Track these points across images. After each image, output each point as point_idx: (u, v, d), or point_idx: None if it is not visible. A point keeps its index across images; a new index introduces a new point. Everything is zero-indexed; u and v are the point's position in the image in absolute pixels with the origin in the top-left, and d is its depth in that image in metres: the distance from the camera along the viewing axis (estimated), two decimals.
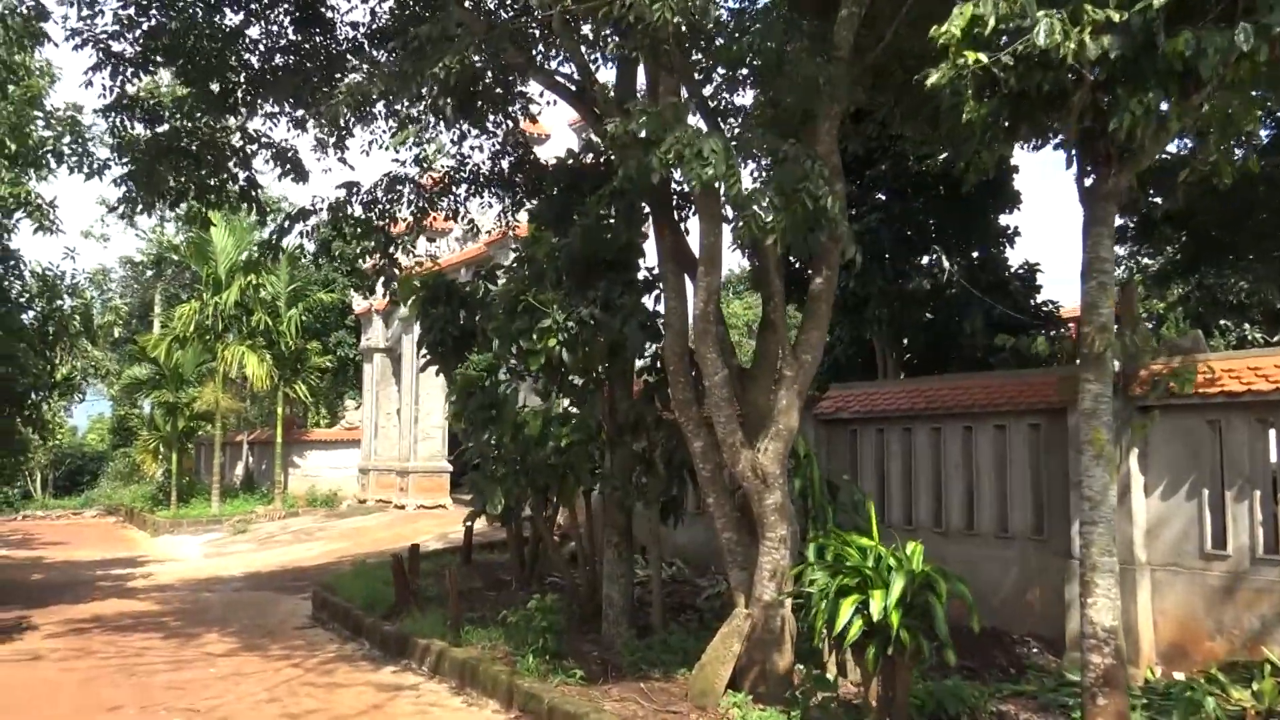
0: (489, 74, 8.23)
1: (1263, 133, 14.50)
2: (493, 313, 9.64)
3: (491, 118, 10.25)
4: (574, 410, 10.00)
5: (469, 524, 15.68)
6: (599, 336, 8.38)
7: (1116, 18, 5.56)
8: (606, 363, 9.14)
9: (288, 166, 10.37)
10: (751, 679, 7.83)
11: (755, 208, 6.00)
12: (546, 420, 9.61)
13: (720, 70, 8.27)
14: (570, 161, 10.45)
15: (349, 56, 10.38)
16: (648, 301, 8.98)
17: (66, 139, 11.97)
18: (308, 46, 10.50)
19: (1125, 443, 8.64)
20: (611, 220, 9.05)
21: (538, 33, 8.93)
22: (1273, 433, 8.24)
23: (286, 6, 10.21)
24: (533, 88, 10.69)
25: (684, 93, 7.81)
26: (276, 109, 10.18)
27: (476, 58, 7.96)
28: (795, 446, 8.31)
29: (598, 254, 8.56)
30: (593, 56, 9.24)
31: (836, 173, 7.29)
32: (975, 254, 17.39)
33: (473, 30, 7.56)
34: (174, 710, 8.72)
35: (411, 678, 9.81)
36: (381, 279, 10.65)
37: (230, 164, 10.29)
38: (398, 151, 10.91)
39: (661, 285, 8.44)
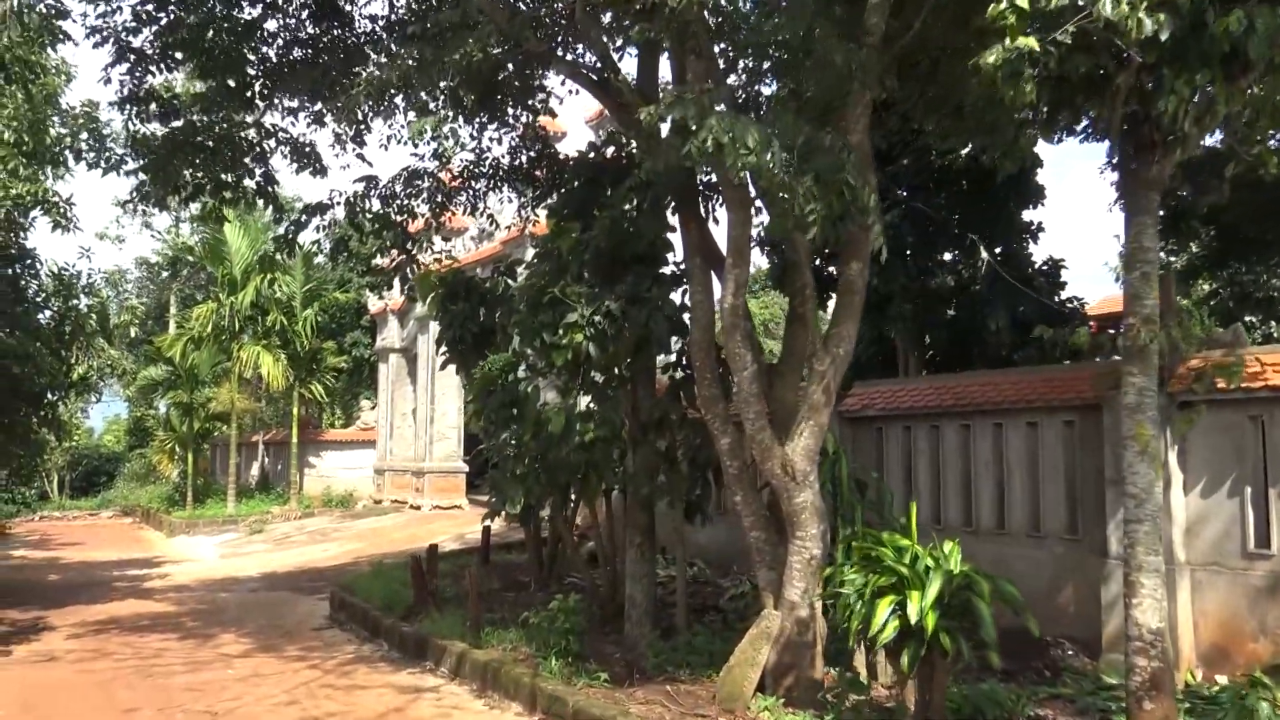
0: (510, 65, 8.05)
1: None
2: (514, 308, 9.48)
3: (511, 111, 10.10)
4: (595, 408, 9.81)
5: (487, 524, 15.55)
6: (625, 331, 8.19)
7: None
8: (631, 358, 8.95)
9: (305, 160, 10.23)
10: (781, 682, 7.63)
11: (794, 197, 5.79)
12: (569, 417, 9.43)
13: (745, 60, 8.07)
14: (591, 155, 10.28)
15: (367, 50, 10.23)
16: (674, 296, 8.79)
17: (84, 135, 11.88)
18: (325, 40, 10.36)
19: (1164, 439, 8.41)
20: (636, 214, 8.87)
21: (562, 22, 8.74)
22: None
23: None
24: (552, 81, 10.54)
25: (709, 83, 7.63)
26: (294, 103, 10.04)
27: (497, 49, 7.80)
28: (823, 443, 8.12)
29: (623, 248, 8.38)
30: (615, 46, 9.06)
31: (868, 162, 7.10)
32: (999, 249, 17.14)
33: (494, 19, 7.39)
34: (191, 713, 8.59)
35: (432, 680, 9.65)
36: (399, 275, 10.50)
37: (246, 159, 10.16)
38: (415, 146, 10.74)
39: (687, 279, 8.25)
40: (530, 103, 10.36)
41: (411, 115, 10.64)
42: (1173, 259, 25.64)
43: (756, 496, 8.08)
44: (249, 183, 10.33)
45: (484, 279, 10.55)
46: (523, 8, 9.05)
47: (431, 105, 9.46)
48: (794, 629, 7.58)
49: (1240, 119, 6.52)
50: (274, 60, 10.15)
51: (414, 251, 10.46)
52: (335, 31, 10.56)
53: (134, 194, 9.97)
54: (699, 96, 5.95)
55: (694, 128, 5.81)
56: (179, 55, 9.34)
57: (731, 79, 8.39)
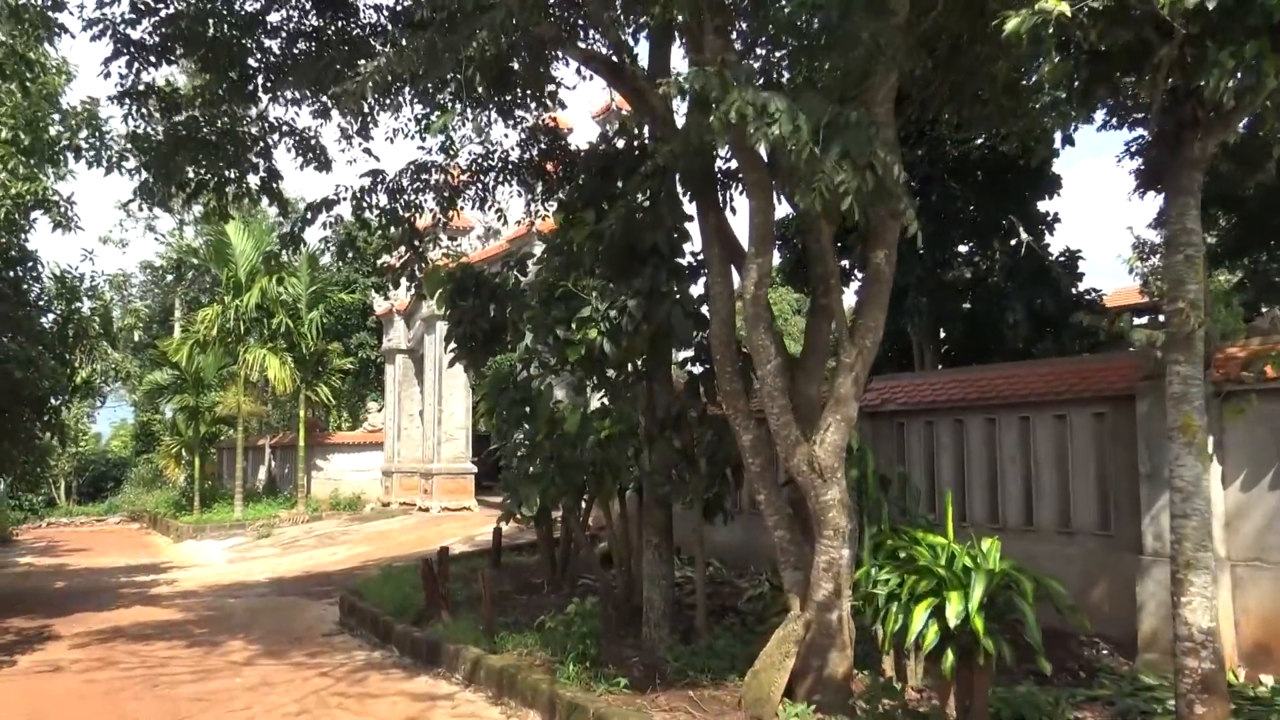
0: (522, 53, 7.78)
1: None
2: (526, 303, 9.21)
3: (521, 103, 9.82)
4: (610, 405, 9.54)
5: (498, 526, 15.30)
6: (642, 325, 7.91)
7: None
8: (647, 354, 8.68)
9: (310, 155, 9.97)
10: (808, 686, 7.35)
11: (823, 172, 5.51)
12: (584, 415, 9.15)
13: (765, 39, 7.78)
14: (603, 147, 10.00)
15: (373, 42, 9.96)
16: (692, 289, 8.52)
17: (83, 133, 11.64)
18: (330, 32, 10.09)
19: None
20: (650, 204, 8.59)
21: (575, 6, 8.45)
22: None
23: None
24: (563, 73, 10.28)
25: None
26: (298, 96, 9.76)
27: (509, 35, 7.52)
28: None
29: (638, 239, 8.10)
30: (627, 33, 8.79)
31: (894, 143, 6.82)
32: (1014, 241, 16.85)
33: (506, 2, 7.11)
34: None
35: (446, 686, 9.39)
36: (407, 271, 10.24)
37: (250, 155, 9.89)
38: (423, 140, 10.50)
39: (706, 270, 7.96)
40: (540, 95, 10.09)
41: (419, 108, 10.46)
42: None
43: (780, 494, 7.81)
44: (252, 179, 10.07)
45: (494, 274, 10.26)
46: None
47: (440, 98, 9.21)
48: (822, 631, 7.30)
49: None
50: (277, 54, 9.89)
51: (421, 247, 10.20)
52: (339, 23, 10.30)
53: (136, 192, 9.71)
54: (721, 68, 5.66)
55: (716, 100, 5.53)
56: (179, 49, 9.08)
57: (748, 62, 8.10)
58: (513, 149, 10.65)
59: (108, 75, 8.93)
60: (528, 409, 9.82)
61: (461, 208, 10.80)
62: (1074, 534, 9.37)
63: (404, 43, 8.92)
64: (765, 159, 6.93)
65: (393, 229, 9.72)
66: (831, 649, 7.31)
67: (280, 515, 28.76)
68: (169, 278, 42.65)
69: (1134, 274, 26.70)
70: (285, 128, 10.04)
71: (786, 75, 8.71)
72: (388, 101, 9.57)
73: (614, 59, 8.63)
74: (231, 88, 9.47)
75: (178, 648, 11.75)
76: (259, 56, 9.75)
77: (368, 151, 10.64)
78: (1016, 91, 10.02)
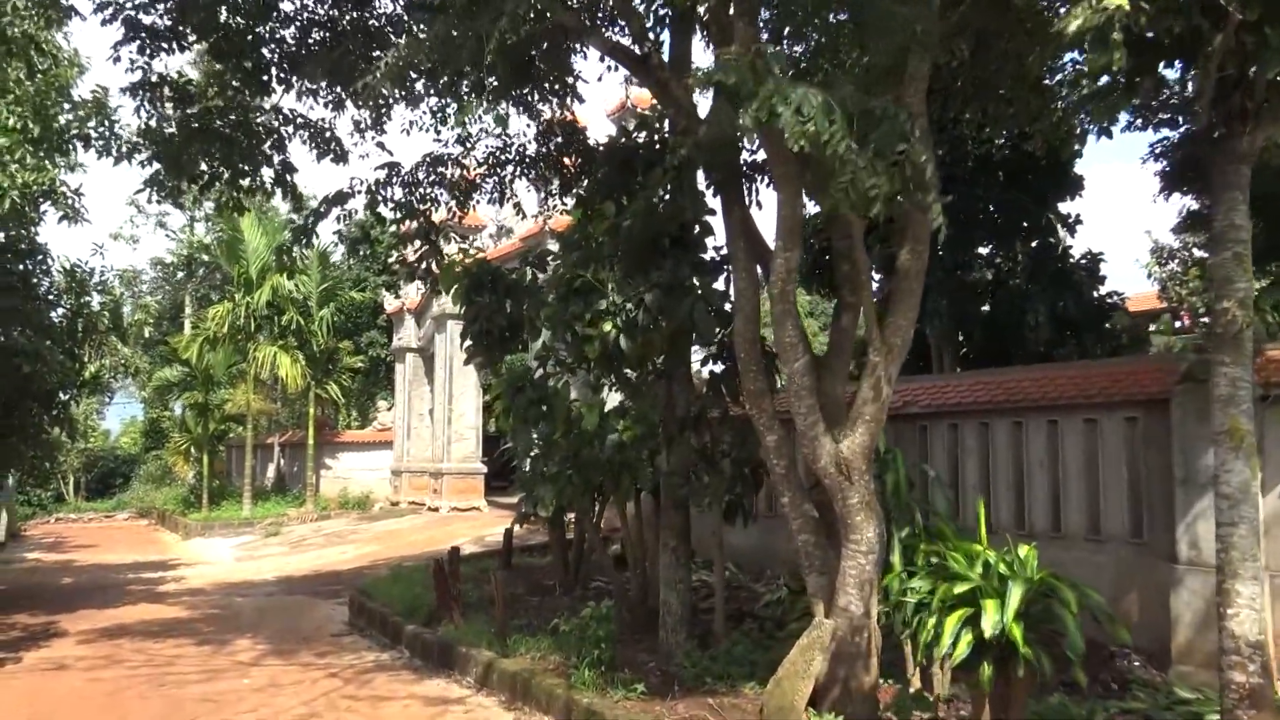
0: (543, 41, 7.55)
1: None
2: (543, 299, 8.99)
3: (540, 95, 9.61)
4: (629, 404, 9.33)
5: (509, 527, 15.12)
6: (661, 321, 7.69)
7: None
8: (667, 351, 8.46)
9: (325, 147, 9.78)
10: (833, 696, 7.11)
11: (855, 171, 5.29)
12: (602, 414, 8.94)
13: (792, 28, 7.56)
14: (623, 140, 9.79)
15: (389, 32, 9.77)
16: (716, 285, 8.29)
17: (92, 122, 11.47)
18: (345, 22, 9.90)
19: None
20: (668, 197, 8.38)
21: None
22: None
23: None
24: (581, 65, 10.07)
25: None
26: (313, 87, 9.56)
27: (529, 23, 7.31)
28: None
29: (659, 232, 7.88)
30: (649, 24, 8.57)
31: (928, 136, 6.59)
32: (1034, 243, 16.59)
33: None
34: None
35: (458, 690, 9.18)
36: (422, 266, 10.04)
37: (264, 147, 9.70)
38: (439, 134, 10.30)
39: (731, 265, 7.72)
40: (558, 89, 9.88)
41: (434, 101, 10.26)
42: (1202, 254, 24.99)
43: (805, 497, 7.57)
44: (266, 172, 9.88)
45: (510, 270, 10.06)
46: None
47: (458, 90, 9.01)
48: (848, 639, 7.06)
49: None
50: (290, 43, 9.69)
51: (437, 240, 10.00)
52: (354, 13, 10.11)
53: (147, 184, 9.52)
54: (752, 59, 5.44)
55: (747, 93, 5.31)
56: (190, 35, 8.88)
57: (780, 48, 7.87)
58: (529, 143, 10.44)
59: (118, 59, 8.72)
60: (544, 408, 9.59)
61: (477, 203, 10.60)
62: (1104, 541, 9.10)
63: (421, 31, 8.76)
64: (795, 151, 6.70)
65: (408, 223, 9.51)
66: (858, 657, 7.08)
67: (289, 514, 28.63)
68: (180, 274, 42.61)
69: (1152, 279, 26.42)
70: (300, 119, 9.84)
71: (804, 66, 8.52)
72: (403, 94, 9.37)
73: (636, 50, 8.41)
74: (245, 78, 9.28)
75: (185, 646, 11.58)
76: (272, 46, 9.56)
77: (381, 145, 10.41)
78: (1041, 89, 9.82)
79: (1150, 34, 5.62)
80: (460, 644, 9.90)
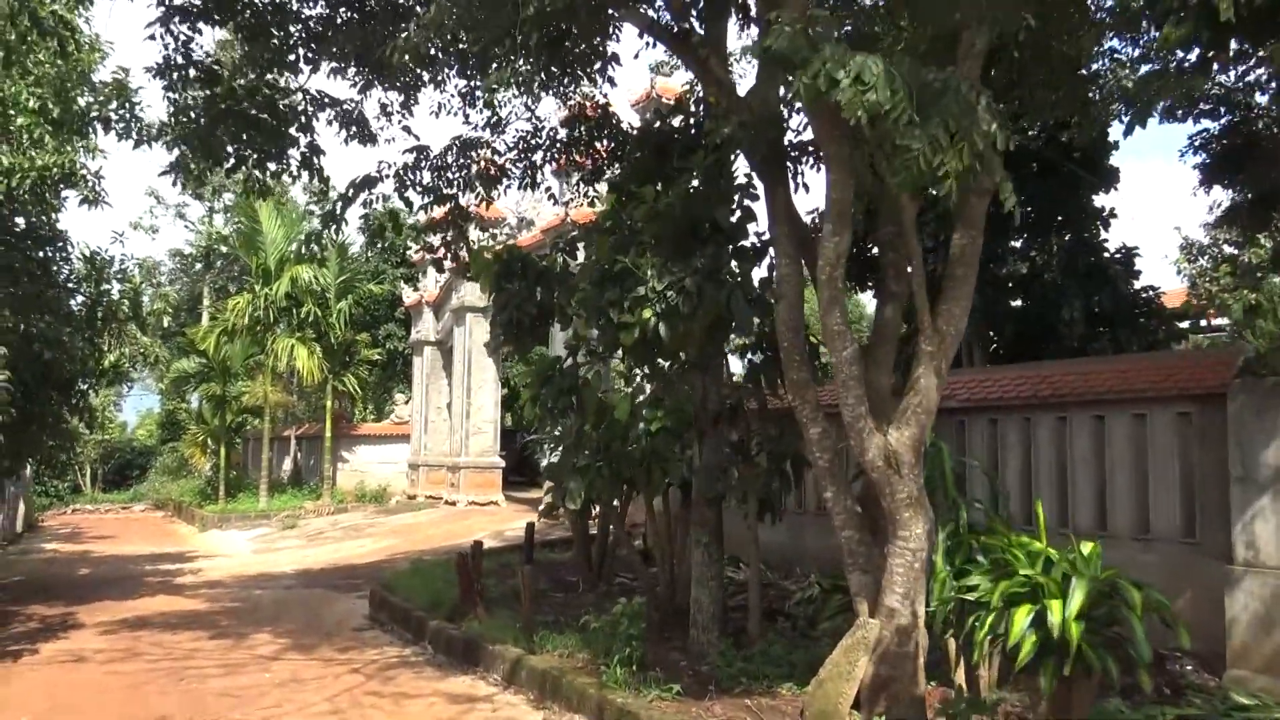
0: (581, 14, 7.26)
1: None
2: (577, 285, 8.73)
3: (571, 76, 9.33)
4: (662, 395, 9.06)
5: (531, 521, 14.86)
6: (699, 309, 7.41)
7: None
8: (703, 341, 8.18)
9: (353, 129, 9.55)
10: (878, 699, 6.83)
11: (921, 147, 5.00)
12: (635, 405, 8.68)
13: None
14: (656, 125, 9.52)
15: (416, 9, 9.50)
16: (757, 271, 8.02)
17: (113, 104, 11.26)
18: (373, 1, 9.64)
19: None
20: (712, 179, 8.10)
21: None
22: None
23: None
24: (615, 47, 9.78)
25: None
26: (340, 67, 9.30)
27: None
28: None
29: (699, 216, 7.60)
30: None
31: (993, 109, 6.28)
32: (1068, 236, 16.24)
33: None
34: None
35: (484, 687, 8.94)
36: (451, 251, 9.78)
37: (291, 128, 9.46)
38: (467, 118, 10.05)
39: (774, 250, 7.44)
40: (591, 69, 9.60)
41: (461, 83, 10.03)
42: (1232, 250, 24.62)
43: (849, 492, 7.29)
44: (293, 154, 9.63)
45: (541, 257, 9.81)
46: None
47: (491, 65, 8.74)
48: (894, 639, 6.77)
49: None
50: (318, 23, 9.44)
51: (465, 226, 9.76)
52: None
53: (172, 168, 9.29)
54: (806, 24, 5.16)
55: (802, 61, 5.03)
56: (218, 15, 8.64)
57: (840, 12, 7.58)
58: (560, 128, 10.17)
59: (153, 38, 8.48)
60: (574, 398, 9.34)
61: (507, 188, 10.35)
62: (1152, 540, 8.79)
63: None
64: (847, 128, 6.41)
65: (437, 208, 9.27)
66: (904, 659, 6.80)
67: (305, 506, 28.51)
68: (198, 265, 42.59)
69: (1182, 275, 26.05)
70: (327, 99, 9.59)
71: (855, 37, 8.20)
72: (430, 72, 9.14)
73: (674, 28, 8.14)
74: (271, 57, 9.04)
75: (204, 639, 11.39)
76: (299, 25, 9.31)
77: (407, 130, 10.16)
78: (1080, 78, 9.51)
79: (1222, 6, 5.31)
80: (486, 640, 9.67)
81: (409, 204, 9.46)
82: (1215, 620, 8.04)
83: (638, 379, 9.14)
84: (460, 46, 8.75)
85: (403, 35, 6.79)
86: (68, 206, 12.34)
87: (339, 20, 9.24)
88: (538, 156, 10.14)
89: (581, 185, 10.56)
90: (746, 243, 8.14)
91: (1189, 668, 8.21)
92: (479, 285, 9.74)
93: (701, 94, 10.03)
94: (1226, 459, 8.08)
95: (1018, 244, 16.20)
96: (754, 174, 7.79)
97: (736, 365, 10.31)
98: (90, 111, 11.48)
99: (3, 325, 11.85)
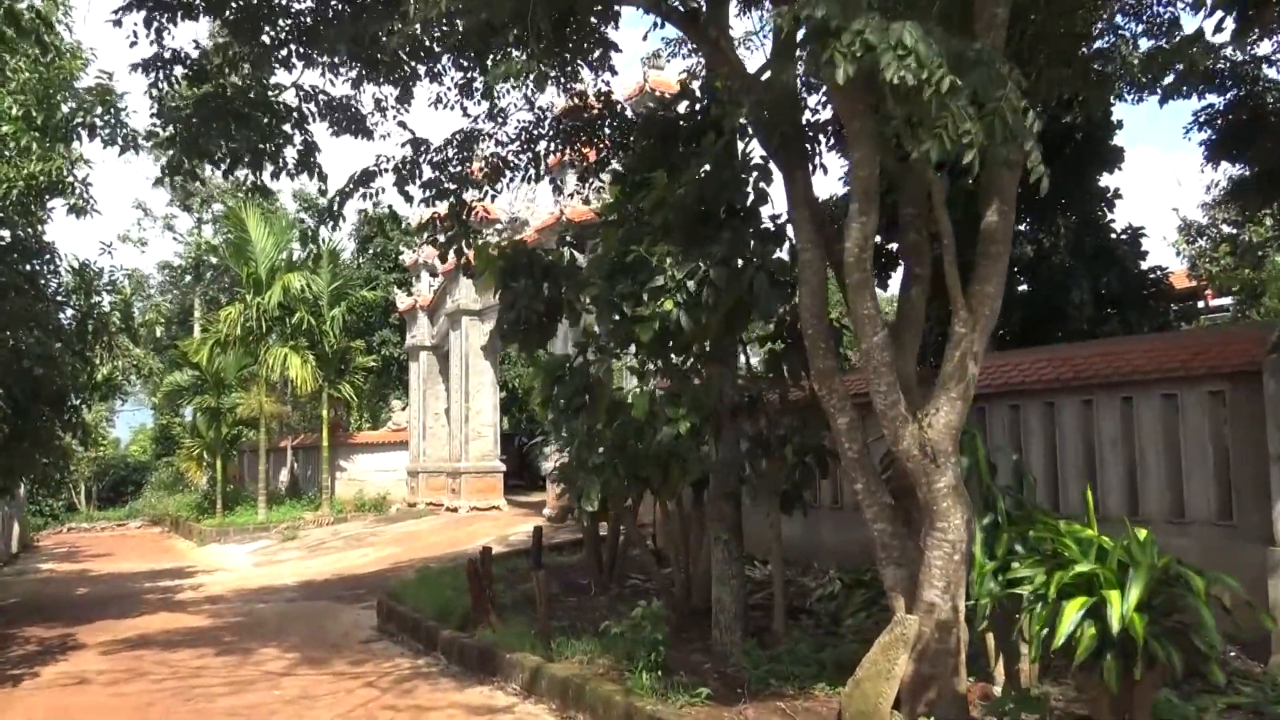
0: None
1: None
2: (587, 280, 8.44)
3: (573, 61, 9.04)
4: (678, 391, 8.77)
5: (538, 525, 14.60)
6: (721, 298, 7.12)
7: None
8: (721, 331, 7.90)
9: (347, 123, 9.24)
10: (921, 698, 6.56)
11: (954, 117, 4.74)
12: (652, 401, 8.39)
13: None
14: (661, 112, 9.25)
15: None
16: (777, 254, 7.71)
17: (98, 110, 10.93)
18: None
19: None
20: (721, 165, 7.82)
21: None
22: None
23: None
24: (615, 36, 9.48)
25: None
26: (333, 61, 8.98)
27: None
28: None
29: (717, 203, 7.32)
30: None
31: (1020, 81, 6.02)
32: (1073, 218, 16.00)
33: None
34: None
35: (502, 698, 8.65)
36: (453, 249, 9.48)
37: (285, 125, 9.14)
38: (465, 110, 9.74)
39: (795, 234, 7.15)
40: (593, 56, 9.31)
41: (459, 75, 9.73)
42: (1230, 230, 24.44)
43: (881, 484, 7.02)
44: (289, 153, 9.31)
45: (548, 250, 9.52)
46: None
47: (486, 55, 8.46)
48: (935, 635, 6.51)
49: None
50: (309, 16, 9.12)
51: (468, 221, 9.45)
52: None
53: (166, 171, 8.95)
54: None
55: (839, 28, 4.76)
56: (204, 7, 8.32)
57: None
58: (563, 118, 9.87)
59: (119, 24, 8.12)
60: (586, 397, 9.04)
61: (510, 179, 10.03)
62: (1187, 524, 8.54)
63: None
64: (872, 103, 6.14)
65: (438, 202, 8.98)
66: (945, 655, 6.53)
67: (304, 517, 28.16)
68: (188, 277, 42.16)
69: (1181, 256, 25.91)
70: (321, 95, 9.26)
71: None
72: (428, 65, 8.84)
73: (683, 7, 7.85)
74: (261, 54, 8.72)
75: (209, 656, 11.08)
76: (289, 19, 8.99)
77: (403, 125, 9.85)
78: (1084, 57, 9.26)
79: None
80: (501, 649, 9.37)
81: (409, 199, 9.16)
82: (1258, 603, 7.79)
83: (651, 374, 8.84)
84: (457, 37, 8.44)
85: (397, 22, 6.46)
86: (55, 218, 12.00)
87: (330, 14, 8.92)
88: (541, 147, 9.86)
89: (586, 176, 10.26)
90: (764, 227, 7.85)
91: (1232, 654, 7.96)
92: (483, 283, 9.44)
93: (704, 79, 9.77)
94: (1262, 438, 7.85)
95: (1023, 227, 15.96)
96: (770, 157, 7.50)
97: (744, 357, 10.05)
98: (74, 118, 11.13)
99: None
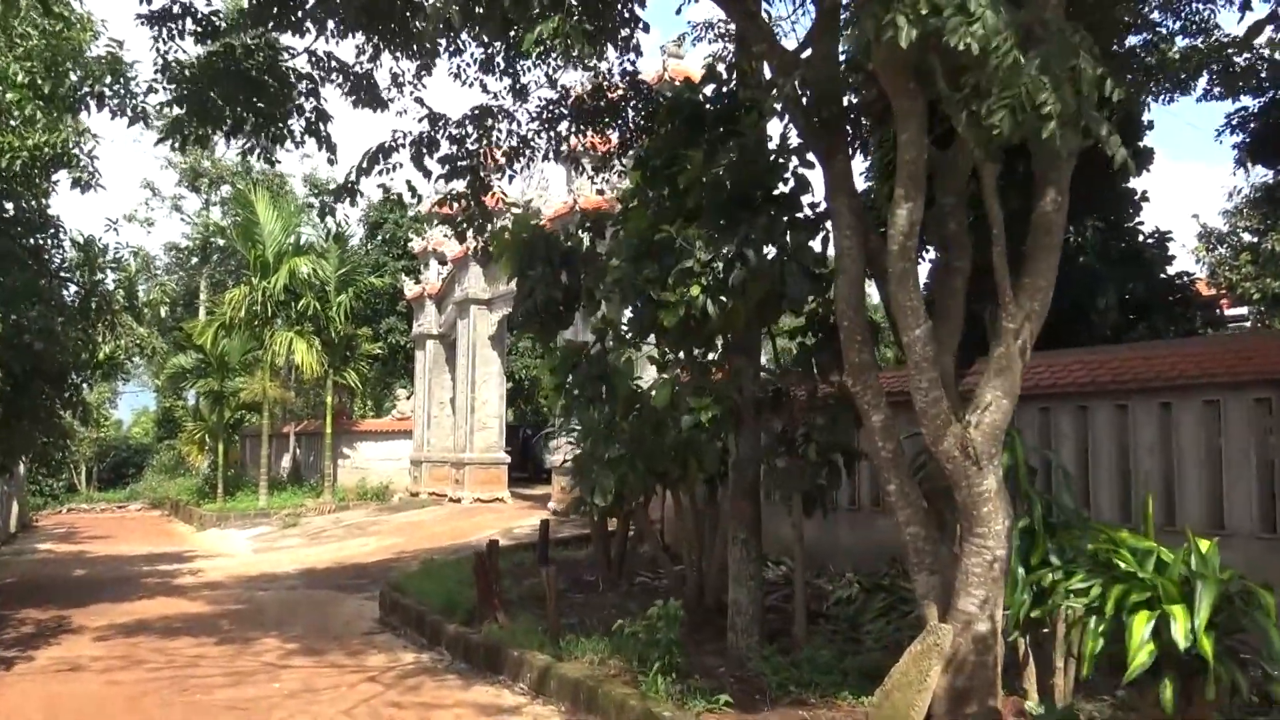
0: None
1: None
2: (605, 266, 8.11)
3: (600, 38, 8.70)
4: (700, 382, 8.44)
5: (545, 519, 14.33)
6: (750, 286, 6.79)
7: None
8: (749, 320, 7.56)
9: (362, 94, 8.90)
10: (956, 712, 6.24)
11: (1027, 87, 4.41)
12: (674, 392, 8.06)
13: None
14: (687, 94, 8.90)
15: None
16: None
17: (107, 79, 10.60)
18: None
19: None
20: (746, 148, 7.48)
21: None
22: None
23: None
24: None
25: None
26: (348, 29, 8.62)
27: None
28: None
29: (754, 185, 6.98)
30: None
31: (1094, 52, 5.67)
32: (1099, 220, 15.63)
33: None
34: None
35: (510, 697, 8.34)
36: (470, 229, 9.16)
37: (295, 91, 8.80)
38: (485, 87, 9.40)
39: (833, 222, 6.81)
40: (619, 37, 8.96)
41: (479, 51, 9.40)
42: (1257, 239, 24.02)
43: (915, 486, 6.69)
44: (298, 120, 8.97)
45: (567, 236, 9.19)
46: None
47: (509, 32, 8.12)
48: (971, 647, 6.19)
49: None
50: None
51: (484, 201, 9.13)
52: None
53: (168, 131, 8.63)
54: None
55: None
56: None
57: None
58: (587, 98, 9.53)
59: None
60: (604, 387, 8.72)
61: (529, 160, 9.69)
62: (1229, 535, 8.16)
63: None
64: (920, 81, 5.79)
65: (455, 180, 8.67)
66: (982, 669, 6.21)
67: (306, 504, 27.85)
68: (194, 259, 41.85)
69: (1200, 264, 25.56)
70: (335, 62, 8.92)
71: None
72: (449, 39, 8.50)
73: None
74: (275, 17, 8.36)
75: (207, 645, 10.77)
76: None
77: (420, 101, 9.50)
78: (1124, 52, 8.91)
79: None
80: (509, 646, 9.05)
81: (427, 174, 8.82)
82: None
83: (672, 364, 8.51)
84: (479, 10, 8.09)
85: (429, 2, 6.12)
86: (59, 190, 11.68)
87: None
88: (562, 127, 9.52)
89: (607, 159, 9.92)
90: (799, 215, 7.51)
91: (1275, 673, 7.61)
92: (493, 273, 9.13)
93: (731, 61, 9.43)
94: None
95: None
96: (806, 141, 7.15)
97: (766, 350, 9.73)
98: (83, 87, 10.79)
99: None
